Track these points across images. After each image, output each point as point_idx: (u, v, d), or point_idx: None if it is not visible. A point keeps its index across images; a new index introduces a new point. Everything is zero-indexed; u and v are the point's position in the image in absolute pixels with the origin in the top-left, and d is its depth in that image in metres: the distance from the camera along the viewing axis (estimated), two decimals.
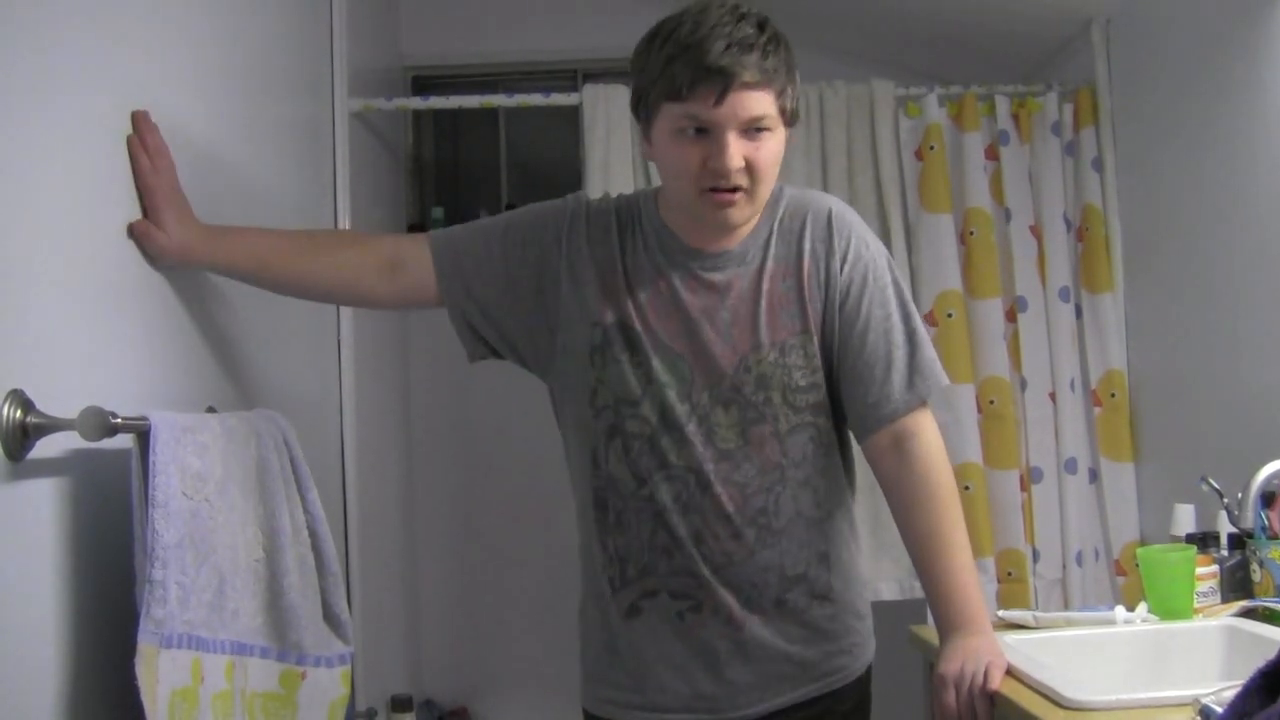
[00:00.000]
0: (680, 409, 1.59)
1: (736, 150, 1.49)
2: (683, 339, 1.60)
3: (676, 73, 1.48)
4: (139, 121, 1.54)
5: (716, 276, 1.61)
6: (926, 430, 1.61)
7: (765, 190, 1.57)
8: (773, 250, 1.61)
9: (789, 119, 1.57)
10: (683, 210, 1.60)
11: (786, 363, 1.60)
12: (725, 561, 1.60)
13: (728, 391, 1.59)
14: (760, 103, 1.50)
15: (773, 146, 1.54)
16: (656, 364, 1.60)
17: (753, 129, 1.51)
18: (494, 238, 1.67)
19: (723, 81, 1.47)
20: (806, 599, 1.63)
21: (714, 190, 1.52)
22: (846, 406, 1.64)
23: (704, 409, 1.59)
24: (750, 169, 1.52)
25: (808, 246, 1.61)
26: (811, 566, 1.63)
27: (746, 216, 1.57)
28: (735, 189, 1.52)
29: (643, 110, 1.57)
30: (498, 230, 1.68)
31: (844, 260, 1.61)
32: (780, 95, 1.53)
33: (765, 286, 1.60)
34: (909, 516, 1.61)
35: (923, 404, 1.61)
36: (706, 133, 1.50)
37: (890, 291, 1.63)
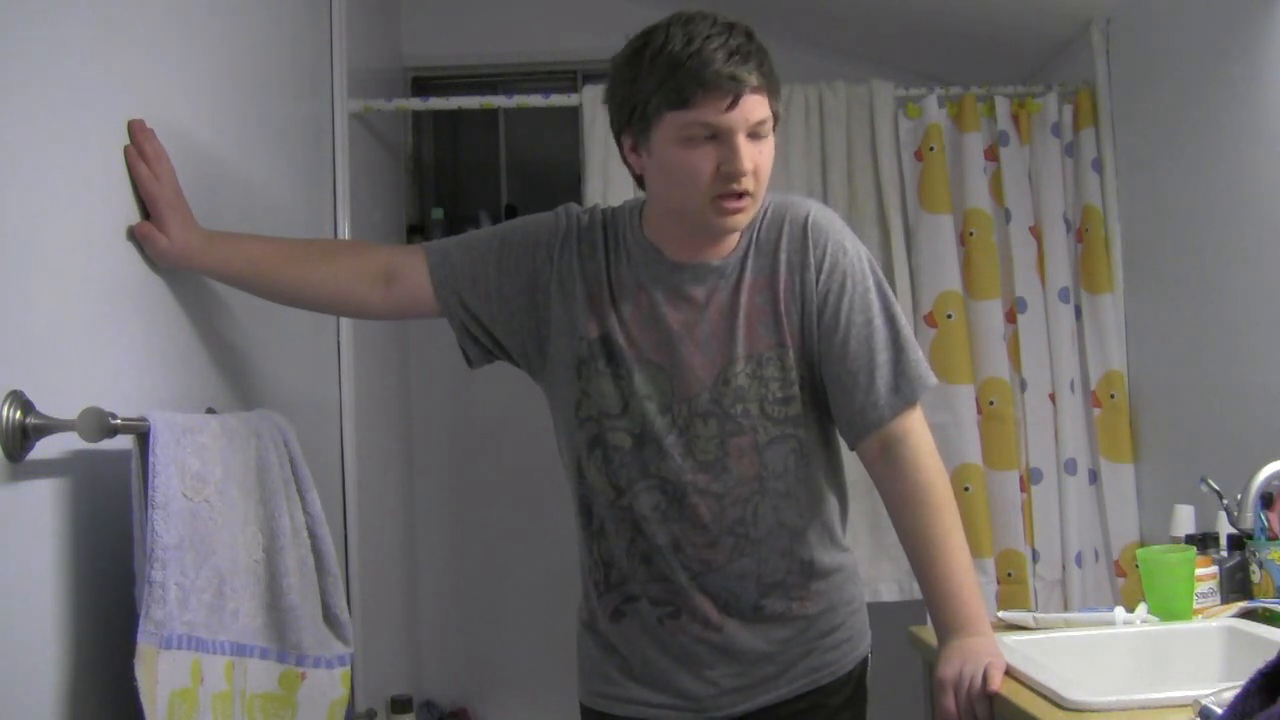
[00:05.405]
0: (660, 421, 1.60)
1: (748, 154, 1.51)
2: (663, 353, 1.61)
3: (683, 82, 1.48)
4: (135, 130, 1.54)
5: (697, 291, 1.61)
6: (915, 433, 1.61)
7: (763, 194, 1.58)
8: (750, 263, 1.61)
9: (777, 124, 1.59)
10: (685, 219, 1.58)
11: (763, 375, 1.60)
12: (703, 569, 1.61)
13: (707, 404, 1.60)
14: (763, 107, 1.52)
15: (770, 150, 1.55)
16: (638, 378, 1.61)
17: (756, 133, 1.52)
18: (489, 253, 1.68)
19: (735, 88, 1.48)
20: (785, 603, 1.64)
21: (724, 196, 1.52)
22: (835, 415, 1.65)
23: (684, 421, 1.60)
24: (755, 172, 1.53)
25: (783, 258, 1.61)
26: (790, 574, 1.64)
27: (748, 221, 1.58)
28: (744, 194, 1.53)
29: (637, 122, 1.55)
30: (493, 245, 1.69)
31: (820, 270, 1.61)
32: (775, 100, 1.55)
33: (743, 300, 1.60)
34: (903, 520, 1.61)
35: (910, 407, 1.61)
36: (715, 139, 1.50)
37: (872, 295, 1.62)
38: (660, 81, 1.50)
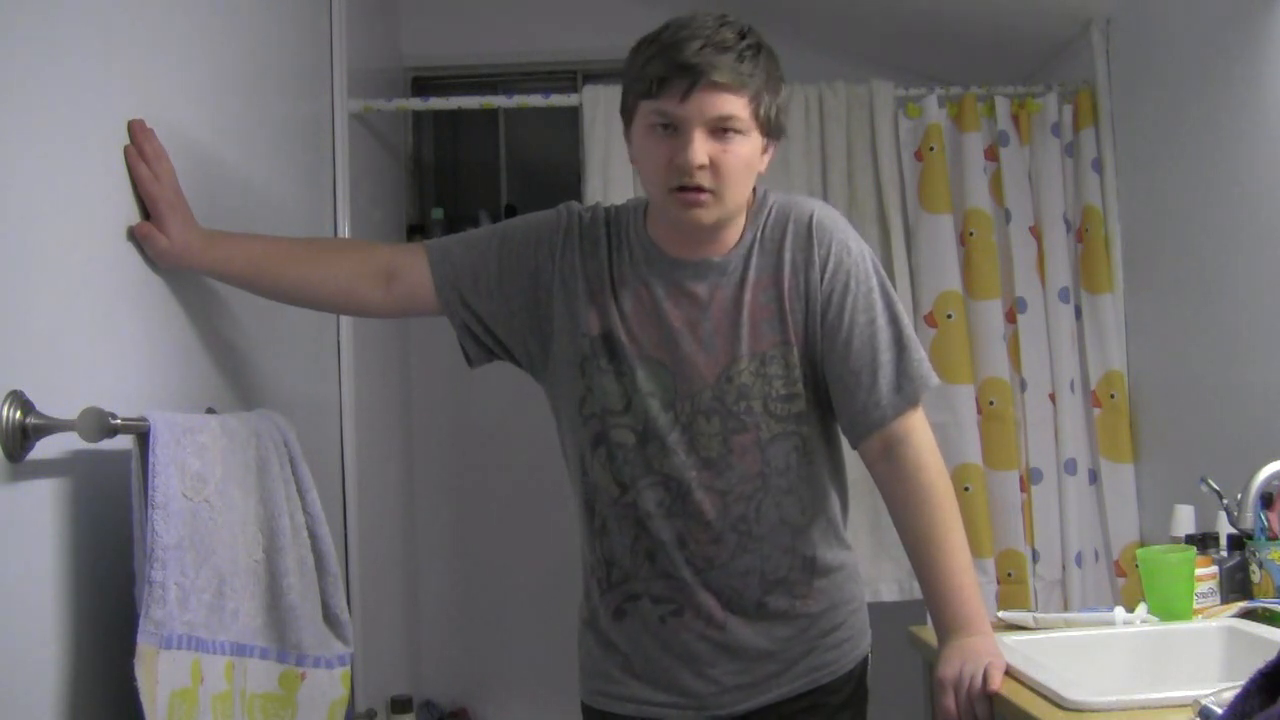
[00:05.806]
0: (663, 419, 1.60)
1: (701, 148, 1.50)
2: (664, 349, 1.61)
3: (651, 71, 1.50)
4: (135, 130, 1.53)
5: (699, 288, 1.61)
6: (917, 433, 1.61)
7: (735, 194, 1.56)
8: (754, 261, 1.61)
9: (767, 129, 1.56)
10: (658, 212, 1.61)
11: (767, 373, 1.60)
12: (706, 565, 1.62)
13: (710, 401, 1.60)
14: (730, 104, 1.50)
15: (742, 150, 1.53)
16: (640, 374, 1.61)
17: (720, 129, 1.51)
18: (490, 251, 1.68)
19: (691, 77, 1.48)
20: (788, 600, 1.64)
21: (680, 189, 1.52)
22: (837, 414, 1.65)
23: (687, 418, 1.60)
24: (715, 169, 1.52)
25: (788, 257, 1.61)
26: (794, 570, 1.64)
27: (714, 218, 1.56)
28: (700, 189, 1.52)
29: (625, 112, 1.59)
30: (494, 243, 1.69)
31: (824, 269, 1.61)
32: (754, 100, 1.52)
33: (747, 298, 1.60)
34: (904, 520, 1.61)
35: (912, 407, 1.61)
36: (675, 130, 1.51)
37: (875, 295, 1.62)
38: (638, 72, 1.53)
